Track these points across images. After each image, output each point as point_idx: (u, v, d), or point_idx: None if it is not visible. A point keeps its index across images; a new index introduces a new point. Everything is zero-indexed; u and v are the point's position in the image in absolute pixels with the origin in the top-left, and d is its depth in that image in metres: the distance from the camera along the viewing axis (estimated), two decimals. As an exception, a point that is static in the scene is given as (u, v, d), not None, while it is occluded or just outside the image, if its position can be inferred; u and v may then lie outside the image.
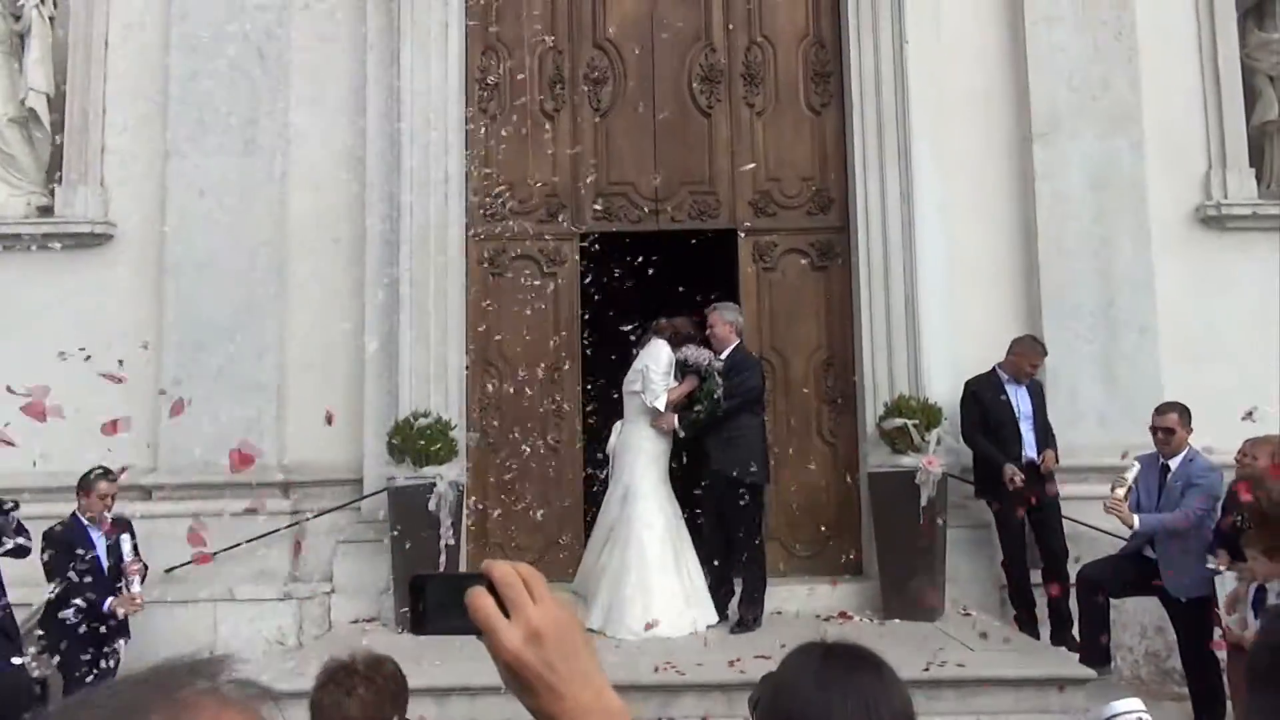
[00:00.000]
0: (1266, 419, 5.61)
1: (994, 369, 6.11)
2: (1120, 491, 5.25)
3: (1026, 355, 6.06)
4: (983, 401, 6.02)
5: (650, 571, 5.73)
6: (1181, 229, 6.85)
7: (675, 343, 6.07)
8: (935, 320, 6.51)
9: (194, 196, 6.62)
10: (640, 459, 5.95)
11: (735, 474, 5.81)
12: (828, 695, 1.22)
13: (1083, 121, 6.70)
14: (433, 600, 0.98)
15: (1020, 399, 6.04)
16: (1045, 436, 5.99)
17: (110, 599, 5.39)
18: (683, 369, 5.98)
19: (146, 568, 5.67)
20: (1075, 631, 5.63)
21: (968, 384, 6.15)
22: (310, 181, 6.76)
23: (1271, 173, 6.91)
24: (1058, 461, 5.92)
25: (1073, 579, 5.74)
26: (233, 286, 6.55)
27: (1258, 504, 4.13)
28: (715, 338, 6.06)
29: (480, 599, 0.93)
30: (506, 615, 0.92)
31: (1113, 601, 5.79)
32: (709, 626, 5.74)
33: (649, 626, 5.57)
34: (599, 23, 7.06)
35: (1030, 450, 5.94)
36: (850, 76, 6.79)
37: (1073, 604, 5.72)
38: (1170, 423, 5.37)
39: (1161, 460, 5.42)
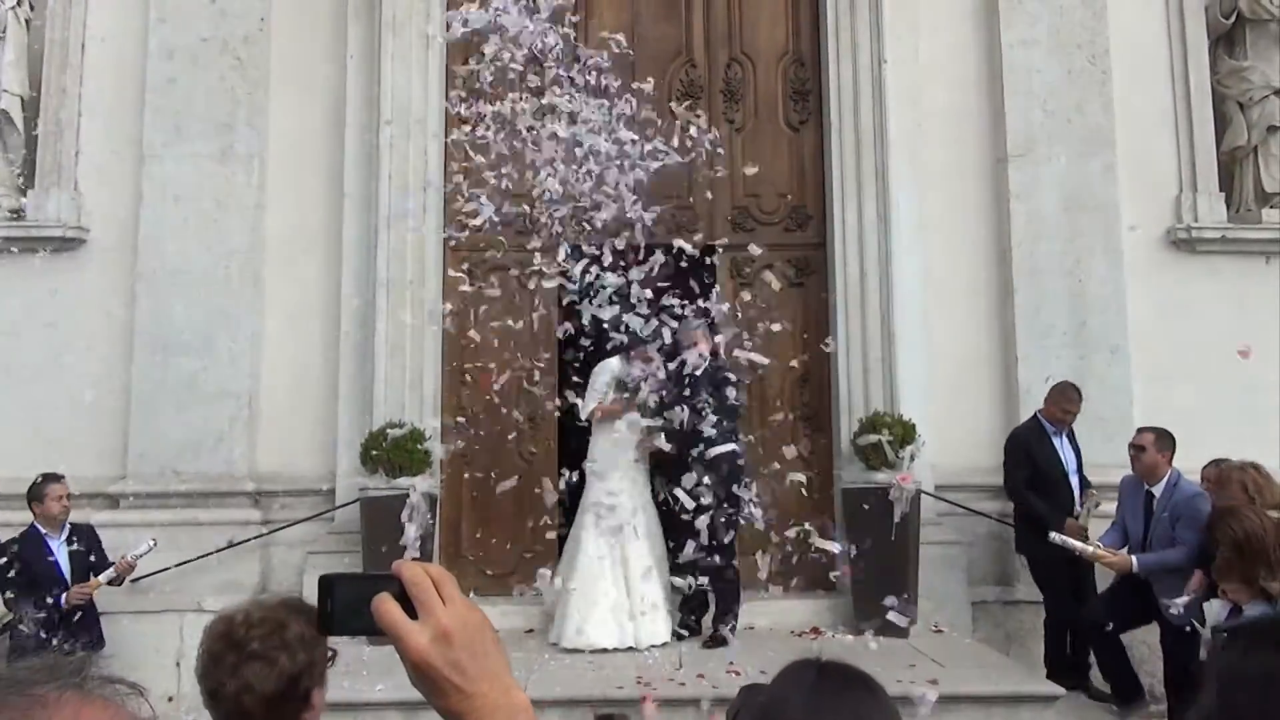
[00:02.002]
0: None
1: (1035, 416, 6.02)
2: (1086, 541, 5.34)
3: (1057, 400, 5.94)
4: (1032, 453, 5.88)
5: (591, 583, 5.77)
6: (1153, 251, 6.94)
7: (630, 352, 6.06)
8: (910, 337, 6.55)
9: (169, 202, 6.58)
10: (593, 473, 6.02)
11: (720, 490, 5.81)
12: (820, 713, 1.21)
13: (1057, 143, 6.79)
14: (341, 601, 0.97)
15: (1065, 450, 5.91)
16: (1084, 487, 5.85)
17: (64, 594, 5.33)
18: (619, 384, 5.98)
19: (132, 568, 5.58)
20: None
21: (1014, 433, 6.05)
22: (287, 189, 6.73)
23: (1241, 197, 7.03)
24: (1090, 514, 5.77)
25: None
26: (206, 293, 6.50)
27: (1233, 535, 4.17)
28: (691, 354, 6.05)
29: (385, 604, 0.93)
30: (415, 616, 0.92)
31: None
32: (653, 646, 5.68)
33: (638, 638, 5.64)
34: (580, 37, 7.07)
35: (1080, 507, 5.77)
36: (829, 94, 6.85)
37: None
38: (1142, 440, 5.40)
39: (1145, 487, 5.44)
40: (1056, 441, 5.95)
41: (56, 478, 5.57)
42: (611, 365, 6.07)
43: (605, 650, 5.57)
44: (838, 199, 6.72)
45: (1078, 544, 5.35)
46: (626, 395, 5.93)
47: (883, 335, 6.53)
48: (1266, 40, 7.04)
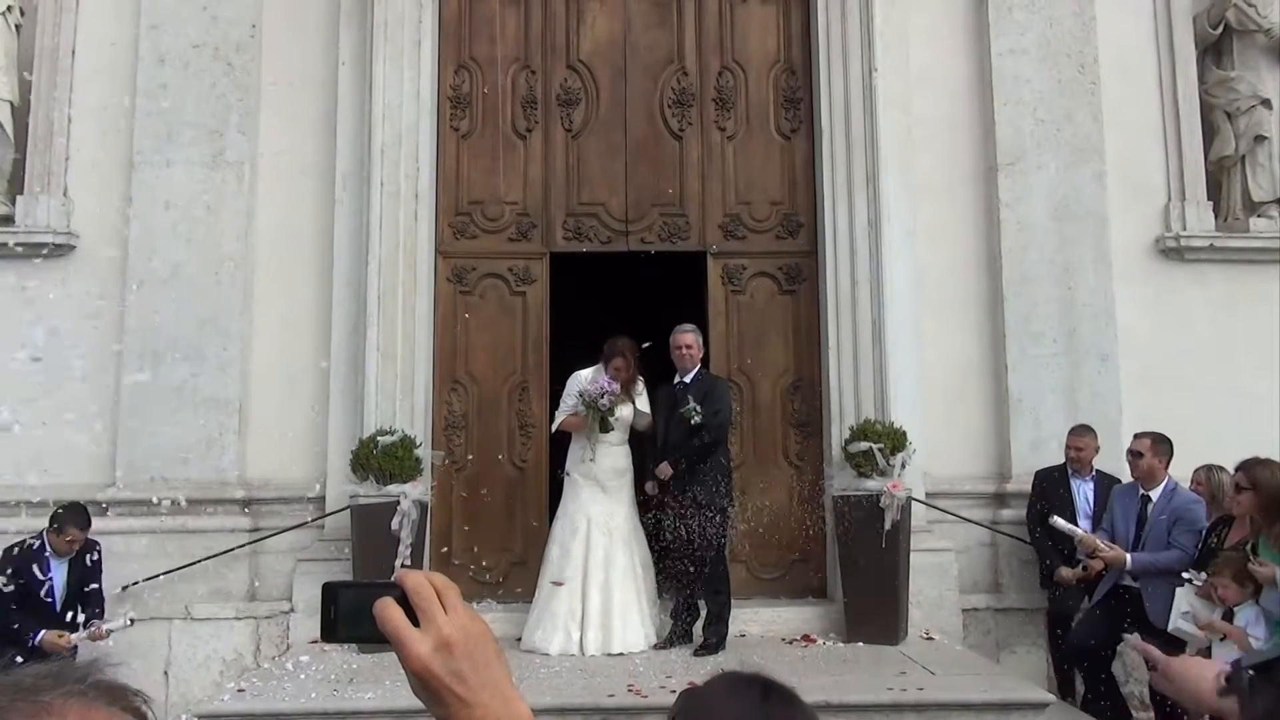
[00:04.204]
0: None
1: (1065, 461, 6.09)
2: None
3: (1071, 439, 6.03)
4: (1046, 493, 6.02)
5: (551, 590, 5.87)
6: (1142, 260, 6.98)
7: (610, 359, 6.04)
8: (901, 345, 6.57)
9: (159, 208, 6.56)
10: (566, 484, 6.10)
11: (706, 498, 5.83)
12: None
13: (1046, 152, 6.83)
14: (344, 608, 0.98)
15: (1083, 493, 5.96)
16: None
17: (43, 632, 5.29)
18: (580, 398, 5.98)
19: (104, 638, 5.52)
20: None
21: (1037, 474, 6.18)
22: (278, 196, 6.72)
23: (1229, 206, 7.07)
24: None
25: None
26: (197, 300, 6.49)
27: (1262, 486, 4.18)
28: (691, 357, 6.05)
29: (387, 610, 0.93)
30: (418, 625, 0.93)
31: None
32: (612, 653, 5.70)
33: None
34: (572, 44, 7.10)
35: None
36: (820, 103, 6.87)
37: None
38: (1140, 446, 5.43)
39: (1141, 491, 5.46)
40: (1075, 484, 6.00)
41: (80, 523, 5.51)
42: (582, 377, 6.07)
43: (548, 655, 5.68)
44: (829, 207, 6.74)
45: (1078, 530, 5.40)
46: (584, 411, 5.92)
47: (874, 342, 6.54)
48: (1254, 50, 7.10)
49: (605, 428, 5.93)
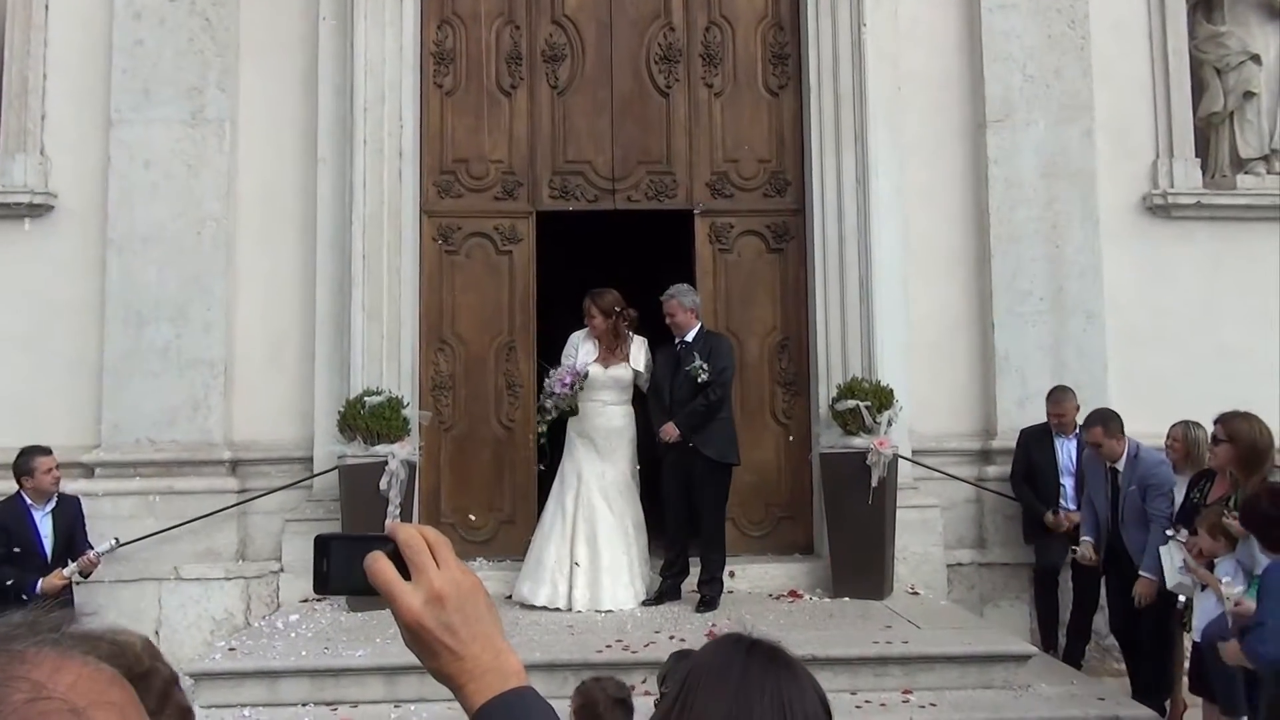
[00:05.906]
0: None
1: (1048, 420, 6.16)
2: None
3: (1051, 404, 6.10)
4: (1029, 450, 6.12)
5: (541, 544, 5.93)
6: (1129, 217, 6.97)
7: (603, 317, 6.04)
8: (889, 303, 6.56)
9: (138, 167, 6.47)
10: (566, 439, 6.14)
11: (716, 457, 5.85)
12: (748, 691, 1.22)
13: (1035, 109, 6.78)
14: (336, 561, 0.99)
15: (1066, 451, 6.03)
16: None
17: (41, 580, 5.30)
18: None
19: (95, 564, 5.57)
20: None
21: (1022, 432, 6.25)
22: (260, 154, 6.63)
23: (1216, 163, 7.06)
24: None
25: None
26: (179, 260, 6.42)
27: (1250, 434, 4.21)
28: (676, 324, 6.03)
29: (378, 563, 0.93)
30: (409, 578, 0.93)
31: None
32: (601, 610, 5.75)
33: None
34: (557, -1, 6.99)
35: (1069, 504, 5.94)
36: (808, 59, 6.79)
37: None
38: (1095, 436, 5.40)
39: (1108, 464, 5.44)
40: (1058, 443, 6.08)
41: (44, 451, 5.51)
42: (578, 338, 6.07)
43: (534, 607, 5.75)
44: (816, 164, 6.69)
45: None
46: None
47: (861, 301, 6.53)
48: (1244, 6, 7.04)
49: (572, 412, 5.97)
